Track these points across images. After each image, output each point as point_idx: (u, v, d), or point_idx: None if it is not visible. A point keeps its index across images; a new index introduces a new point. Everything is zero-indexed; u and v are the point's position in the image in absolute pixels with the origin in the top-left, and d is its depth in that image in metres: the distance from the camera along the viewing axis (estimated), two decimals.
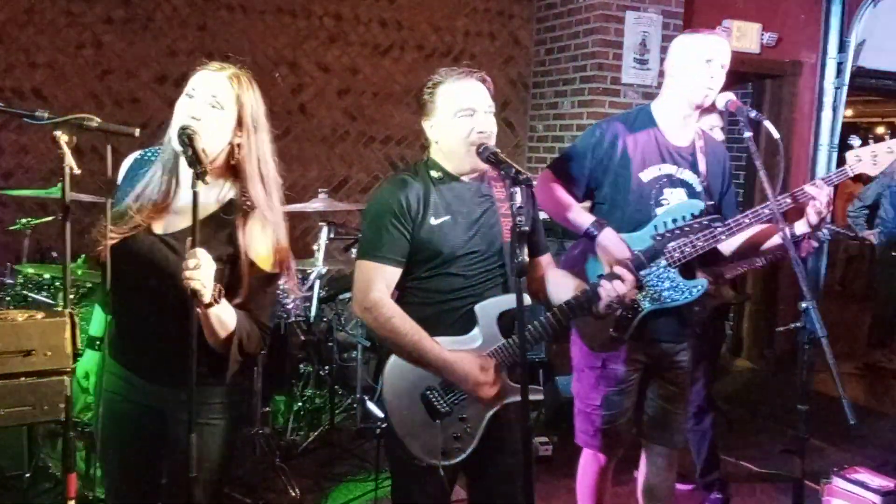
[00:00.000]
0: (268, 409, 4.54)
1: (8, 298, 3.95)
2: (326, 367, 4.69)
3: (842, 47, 6.33)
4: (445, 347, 2.26)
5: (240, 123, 2.03)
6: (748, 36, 6.03)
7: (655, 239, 2.39)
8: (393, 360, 2.29)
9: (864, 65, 6.47)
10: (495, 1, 6.11)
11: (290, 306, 4.35)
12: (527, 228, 1.96)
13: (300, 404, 4.59)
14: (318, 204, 4.53)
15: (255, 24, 5.42)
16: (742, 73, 6.32)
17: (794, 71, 6.38)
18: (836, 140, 6.45)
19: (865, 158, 2.79)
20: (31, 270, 3.94)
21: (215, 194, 2.08)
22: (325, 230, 4.53)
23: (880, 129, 13.37)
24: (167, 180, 2.06)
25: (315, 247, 4.59)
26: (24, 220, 4.24)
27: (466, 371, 2.23)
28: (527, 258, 1.98)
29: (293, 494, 3.81)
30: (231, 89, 2.02)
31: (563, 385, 4.60)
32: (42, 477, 3.62)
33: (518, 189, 2.00)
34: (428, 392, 2.27)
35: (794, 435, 2.69)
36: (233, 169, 2.07)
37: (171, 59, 5.20)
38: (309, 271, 4.47)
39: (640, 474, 3.11)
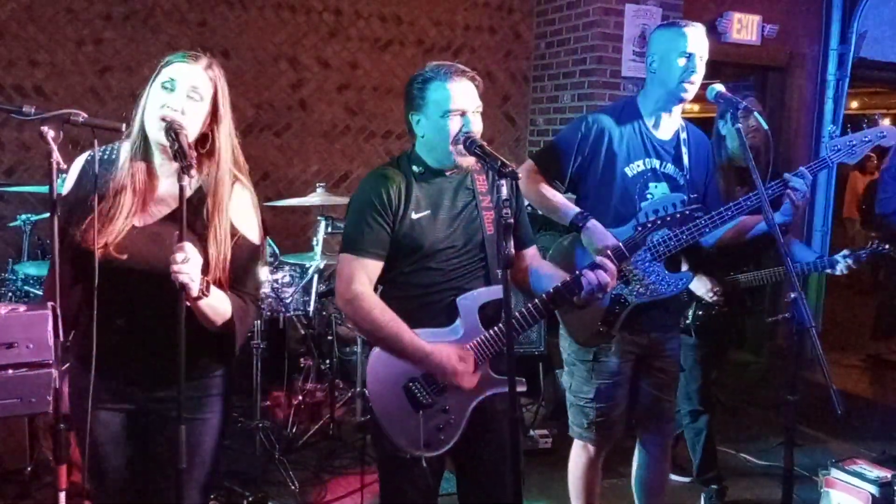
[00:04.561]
0: (267, 402, 4.58)
1: (10, 294, 3.99)
2: (327, 361, 4.71)
3: (843, 38, 6.31)
4: (425, 339, 2.27)
5: (214, 112, 2.08)
6: (749, 28, 6.00)
7: (636, 230, 2.40)
8: (376, 352, 2.31)
9: (867, 56, 6.44)
10: None
11: (288, 301, 4.37)
12: (511, 221, 1.96)
13: (300, 398, 4.62)
14: (315, 198, 4.54)
15: (254, 20, 5.43)
16: (743, 65, 6.30)
17: (796, 62, 6.35)
18: (839, 132, 6.40)
19: (843, 148, 2.80)
20: (31, 270, 3.99)
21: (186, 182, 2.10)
22: (322, 224, 4.54)
23: (886, 122, 13.28)
24: (144, 169, 2.08)
25: (314, 241, 4.61)
26: (24, 217, 4.27)
27: (444, 361, 2.24)
28: (513, 251, 1.98)
29: (293, 487, 3.84)
30: (209, 81, 2.07)
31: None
32: (43, 470, 3.65)
33: (503, 182, 2.01)
34: (410, 383, 2.28)
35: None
36: (198, 156, 2.10)
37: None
38: (308, 265, 4.48)
39: (634, 466, 3.12)
